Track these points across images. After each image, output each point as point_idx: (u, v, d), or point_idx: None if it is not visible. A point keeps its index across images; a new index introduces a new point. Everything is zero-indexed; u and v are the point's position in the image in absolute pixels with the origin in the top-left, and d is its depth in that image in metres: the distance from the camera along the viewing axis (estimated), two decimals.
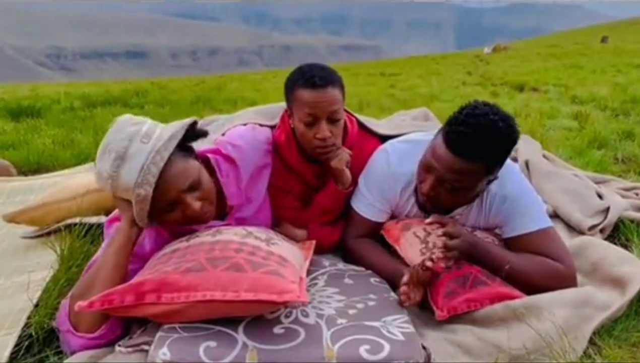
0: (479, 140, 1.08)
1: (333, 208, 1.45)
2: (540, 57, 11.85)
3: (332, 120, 1.28)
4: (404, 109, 3.97)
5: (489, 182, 1.20)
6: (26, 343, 1.02)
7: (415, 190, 1.31)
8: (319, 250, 1.36)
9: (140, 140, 0.98)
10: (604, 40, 18.18)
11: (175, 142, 1.01)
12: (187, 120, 1.06)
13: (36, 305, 1.10)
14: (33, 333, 1.03)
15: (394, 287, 1.21)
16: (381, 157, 1.38)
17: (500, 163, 1.16)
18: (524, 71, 8.31)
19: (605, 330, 1.07)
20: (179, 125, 1.04)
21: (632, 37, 20.47)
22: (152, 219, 1.05)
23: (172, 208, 1.05)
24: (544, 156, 2.22)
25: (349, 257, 1.40)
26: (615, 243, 1.53)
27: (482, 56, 14.06)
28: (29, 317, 1.06)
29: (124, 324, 1.01)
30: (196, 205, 1.05)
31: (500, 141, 1.09)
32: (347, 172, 1.37)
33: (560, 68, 8.69)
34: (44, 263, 1.32)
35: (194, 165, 1.08)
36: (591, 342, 1.03)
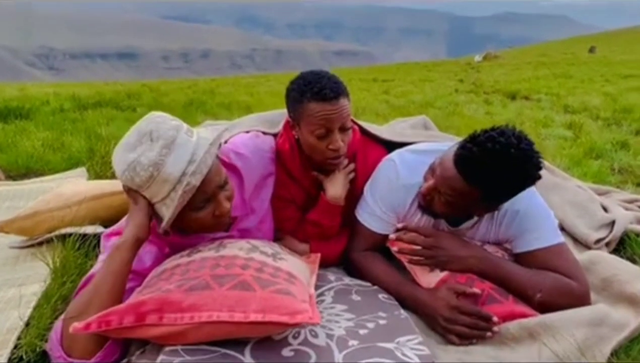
0: (483, 167, 1.02)
1: (328, 224, 1.39)
2: (531, 66, 12.00)
3: (343, 129, 1.26)
4: (399, 115, 3.97)
5: (489, 209, 1.17)
6: None
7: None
8: (323, 264, 1.32)
9: (185, 133, 1.00)
10: (591, 50, 18.54)
11: (220, 141, 1.06)
12: (221, 128, 1.10)
13: (27, 324, 1.03)
14: (23, 356, 0.96)
15: (400, 301, 1.18)
16: (389, 169, 1.34)
17: (503, 198, 1.12)
18: (515, 79, 8.39)
19: (622, 350, 1.04)
20: (219, 128, 1.09)
21: (619, 47, 20.93)
22: (175, 220, 1.02)
23: (204, 206, 1.04)
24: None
25: (353, 270, 1.36)
26: (621, 257, 1.51)
27: (473, 64, 14.20)
28: (18, 338, 0.99)
29: (122, 348, 0.94)
30: (226, 204, 1.06)
31: (507, 178, 1.03)
32: (338, 186, 1.35)
33: (551, 77, 8.80)
34: (35, 276, 1.25)
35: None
36: (608, 362, 1.01)
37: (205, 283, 0.90)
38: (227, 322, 0.85)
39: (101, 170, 2.34)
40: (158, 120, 1.00)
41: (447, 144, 1.24)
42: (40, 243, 1.45)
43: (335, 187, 1.36)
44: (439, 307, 1.10)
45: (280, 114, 1.60)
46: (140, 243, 0.99)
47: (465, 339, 1.06)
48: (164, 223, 0.99)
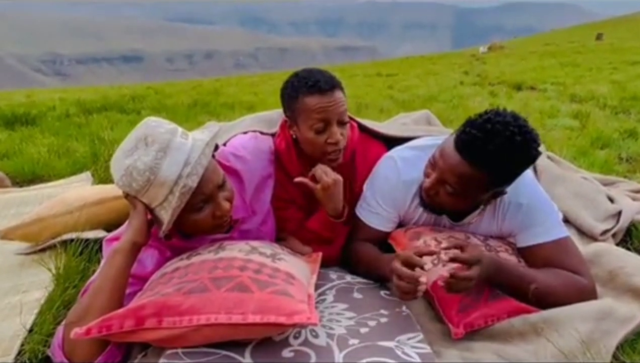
0: (488, 148, 1.02)
1: (329, 236, 1.37)
2: (537, 56, 11.83)
3: (341, 122, 1.25)
4: (403, 110, 3.93)
5: (495, 195, 1.15)
6: None
7: (421, 187, 1.26)
8: (323, 264, 1.31)
9: (180, 136, 1.00)
10: (598, 37, 18.26)
11: (215, 141, 1.06)
12: (216, 128, 1.10)
13: (30, 331, 1.04)
14: (27, 362, 0.97)
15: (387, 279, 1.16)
16: (389, 166, 1.32)
17: (509, 179, 1.10)
18: (520, 70, 8.28)
19: (628, 345, 1.02)
20: (214, 129, 1.08)
21: (626, 34, 20.57)
22: (176, 223, 1.01)
23: (203, 207, 1.04)
24: (548, 157, 2.18)
25: (347, 259, 1.36)
26: (628, 248, 1.49)
27: (478, 55, 14.04)
28: (22, 344, 1.00)
29: (123, 352, 0.95)
30: (225, 204, 1.06)
31: (512, 156, 1.02)
32: (336, 201, 1.30)
33: (557, 66, 8.66)
34: (38, 282, 1.26)
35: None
36: (614, 357, 0.99)
37: (204, 286, 0.90)
38: (225, 324, 0.85)
39: (105, 174, 2.36)
40: (153, 124, 1.00)
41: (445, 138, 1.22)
42: (44, 250, 1.47)
43: (334, 202, 1.30)
44: (389, 273, 1.07)
45: (277, 114, 1.59)
46: (137, 248, 0.99)
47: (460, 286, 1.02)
48: (163, 227, 0.98)
